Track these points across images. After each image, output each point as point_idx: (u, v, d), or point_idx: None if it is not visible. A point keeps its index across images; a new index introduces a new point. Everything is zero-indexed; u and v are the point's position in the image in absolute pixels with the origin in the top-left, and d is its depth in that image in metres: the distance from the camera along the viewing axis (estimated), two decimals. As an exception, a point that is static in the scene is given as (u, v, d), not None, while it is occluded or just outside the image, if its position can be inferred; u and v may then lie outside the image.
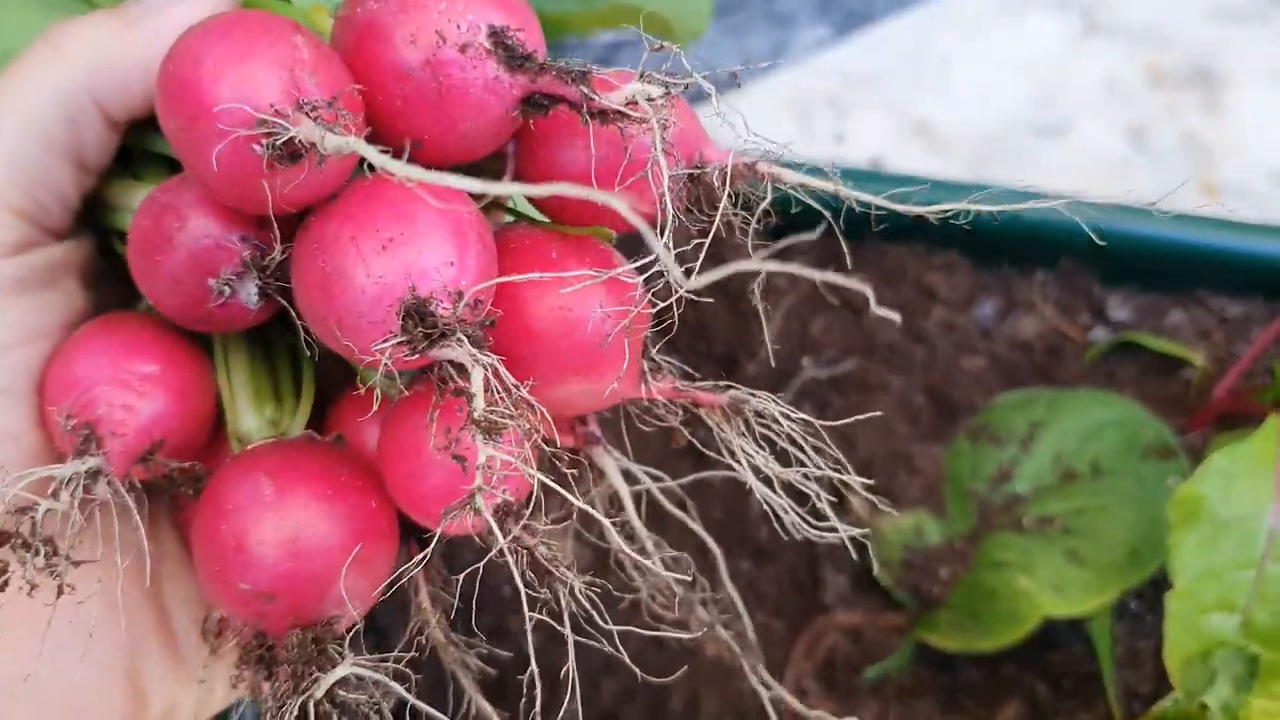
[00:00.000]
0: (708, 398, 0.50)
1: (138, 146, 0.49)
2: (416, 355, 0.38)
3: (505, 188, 0.39)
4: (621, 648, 0.49)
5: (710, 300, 0.96)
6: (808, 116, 1.28)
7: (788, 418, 0.49)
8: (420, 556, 0.41)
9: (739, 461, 0.49)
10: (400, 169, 0.38)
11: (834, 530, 0.50)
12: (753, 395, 0.49)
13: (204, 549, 0.44)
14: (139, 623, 0.47)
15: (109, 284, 0.50)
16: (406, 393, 0.44)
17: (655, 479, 0.51)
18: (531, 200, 0.47)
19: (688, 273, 0.41)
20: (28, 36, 0.47)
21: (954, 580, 0.85)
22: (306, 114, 0.38)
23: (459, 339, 0.37)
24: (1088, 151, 1.24)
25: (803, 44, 1.36)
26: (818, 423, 0.49)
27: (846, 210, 0.98)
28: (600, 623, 0.47)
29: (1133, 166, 1.22)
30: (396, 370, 0.39)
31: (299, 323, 0.43)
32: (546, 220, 0.49)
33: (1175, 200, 1.22)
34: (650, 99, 0.40)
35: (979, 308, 0.95)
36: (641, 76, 0.40)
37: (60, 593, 0.41)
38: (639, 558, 0.46)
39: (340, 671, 0.41)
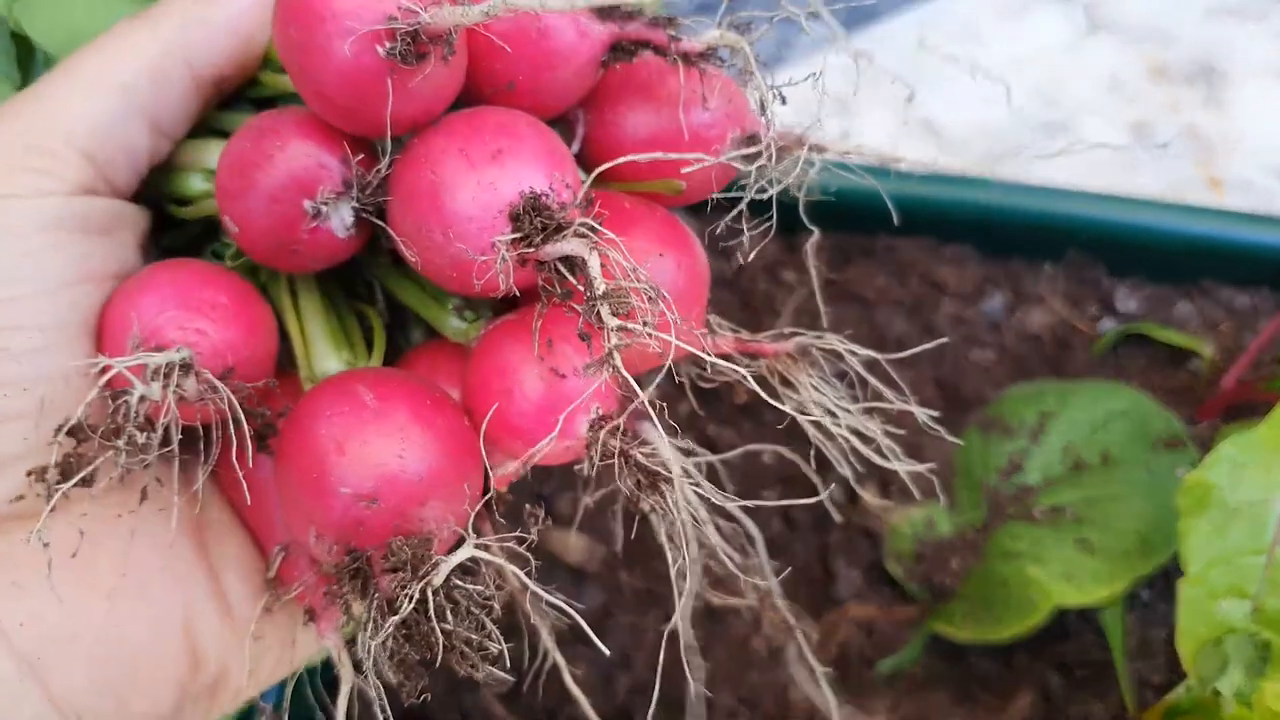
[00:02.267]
0: (773, 347, 0.51)
1: (209, 126, 0.50)
2: (533, 249, 0.38)
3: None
4: (636, 646, 0.49)
5: (722, 294, 0.97)
6: (810, 114, 1.28)
7: (853, 354, 0.51)
8: (526, 457, 0.41)
9: (806, 408, 0.51)
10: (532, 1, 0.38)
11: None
12: (819, 337, 0.51)
13: (297, 460, 0.43)
14: (192, 579, 0.47)
15: (157, 258, 0.50)
16: (485, 332, 0.45)
17: (688, 452, 0.50)
18: (592, 153, 0.49)
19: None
20: (102, 13, 0.50)
21: (965, 571, 0.85)
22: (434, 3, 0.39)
23: (577, 228, 0.38)
24: (1092, 149, 1.25)
25: (807, 42, 1.36)
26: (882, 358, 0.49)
27: (856, 206, 0.98)
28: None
29: (1136, 162, 1.23)
30: (510, 273, 0.39)
31: (396, 240, 0.43)
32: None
33: (1180, 195, 1.23)
34: (734, 47, 0.43)
35: (988, 300, 0.95)
36: (720, 25, 0.43)
37: (144, 499, 0.41)
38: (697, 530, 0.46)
39: (465, 552, 0.40)
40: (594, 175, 0.42)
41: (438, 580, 0.39)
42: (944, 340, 0.88)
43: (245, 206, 0.44)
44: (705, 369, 0.50)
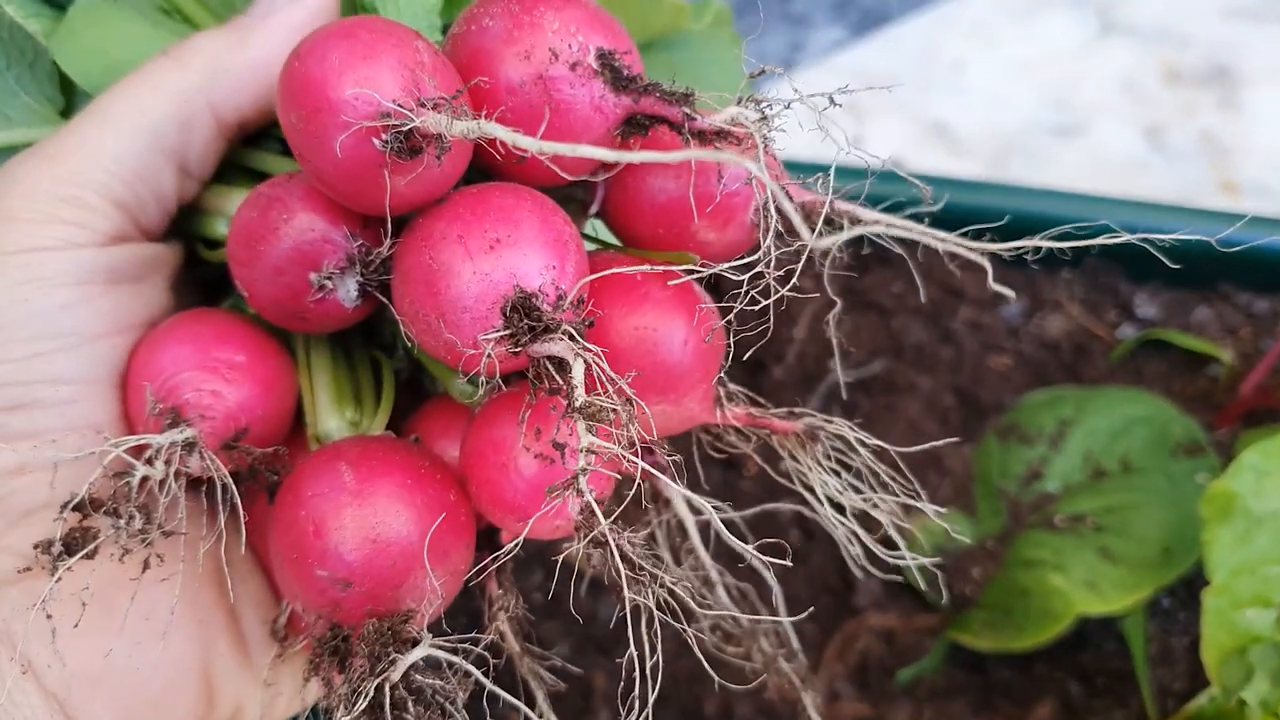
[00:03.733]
0: (783, 425, 0.50)
1: (236, 163, 0.51)
2: (519, 349, 0.39)
3: (636, 156, 0.39)
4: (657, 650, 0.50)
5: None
6: (838, 108, 1.28)
7: (863, 444, 0.50)
8: (510, 545, 0.41)
9: (813, 490, 0.50)
10: (533, 145, 0.38)
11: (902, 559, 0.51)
12: (829, 422, 0.50)
13: (282, 536, 0.44)
14: (211, 622, 0.47)
15: (192, 293, 0.51)
16: (493, 397, 0.44)
17: (716, 509, 0.50)
18: (616, 231, 0.49)
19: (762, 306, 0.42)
20: (141, 47, 0.49)
21: (986, 580, 0.85)
22: (429, 108, 0.39)
23: (562, 333, 0.38)
24: (1105, 151, 1.24)
25: (818, 45, 1.36)
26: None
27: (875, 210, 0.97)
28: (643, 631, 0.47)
29: (1150, 165, 1.22)
30: (495, 370, 0.40)
31: (398, 318, 0.43)
32: (625, 247, 0.50)
33: (1195, 199, 1.23)
34: (751, 121, 0.42)
35: (1006, 307, 0.95)
36: (740, 101, 0.42)
37: (146, 568, 0.41)
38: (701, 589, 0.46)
39: (419, 652, 0.41)
40: (584, 282, 0.41)
41: (395, 676, 0.40)
42: (907, 414, 0.87)
43: (252, 275, 0.45)
44: (717, 437, 0.51)
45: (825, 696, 0.85)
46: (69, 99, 0.54)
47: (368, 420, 0.50)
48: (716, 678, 0.53)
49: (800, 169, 0.98)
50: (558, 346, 0.38)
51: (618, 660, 0.87)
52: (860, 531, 0.52)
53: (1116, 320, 0.95)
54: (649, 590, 0.42)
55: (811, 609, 0.88)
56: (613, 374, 0.39)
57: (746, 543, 0.45)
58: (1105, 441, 0.87)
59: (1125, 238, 0.46)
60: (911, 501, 0.52)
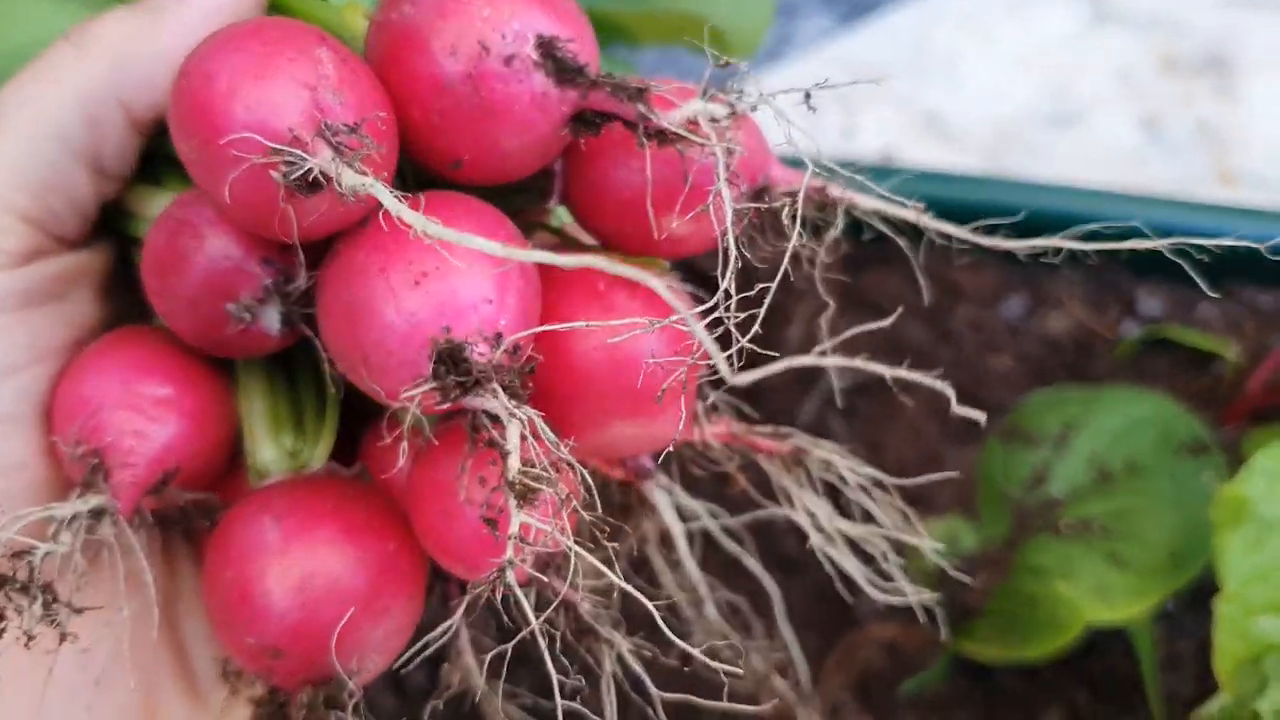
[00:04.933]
0: (767, 444, 0.48)
1: (160, 151, 0.45)
2: (447, 403, 0.35)
3: (539, 256, 0.35)
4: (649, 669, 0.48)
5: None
6: (816, 110, 1.25)
7: (854, 471, 0.47)
8: (447, 625, 0.37)
9: (798, 511, 0.48)
10: (419, 222, 0.34)
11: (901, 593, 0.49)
12: (815, 444, 0.47)
13: (211, 598, 0.41)
14: (156, 662, 0.44)
15: (128, 295, 0.47)
16: (437, 429, 0.40)
17: (712, 515, 0.48)
18: (580, 222, 0.44)
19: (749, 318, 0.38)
20: (44, 31, 0.44)
21: (991, 588, 0.83)
22: (328, 141, 0.34)
23: (494, 389, 0.34)
24: (1101, 142, 1.22)
25: (806, 35, 1.33)
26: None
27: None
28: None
29: (1147, 156, 1.20)
30: (425, 414, 0.36)
31: (323, 354, 0.40)
32: (595, 243, 0.45)
33: (1193, 189, 1.21)
34: (714, 119, 0.36)
35: (1006, 304, 0.93)
36: (704, 94, 0.37)
37: (62, 640, 0.37)
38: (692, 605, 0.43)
39: None
40: (525, 334, 0.37)
41: None
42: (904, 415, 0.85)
43: (168, 306, 0.41)
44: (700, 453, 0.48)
45: (827, 709, 0.83)
46: None
47: (309, 448, 0.45)
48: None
49: (792, 163, 0.96)
50: (490, 403, 0.34)
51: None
52: (847, 564, 0.50)
53: (1119, 317, 0.94)
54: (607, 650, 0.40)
55: (811, 620, 0.86)
56: (552, 437, 0.34)
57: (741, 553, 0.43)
58: (1110, 443, 0.85)
59: (1167, 242, 0.42)
60: (904, 536, 0.50)
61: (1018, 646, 0.79)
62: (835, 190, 0.43)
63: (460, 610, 0.36)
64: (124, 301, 0.47)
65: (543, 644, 0.35)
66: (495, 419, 0.35)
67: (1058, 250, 0.94)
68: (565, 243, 0.47)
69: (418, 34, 0.37)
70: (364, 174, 0.34)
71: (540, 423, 0.35)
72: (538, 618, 0.35)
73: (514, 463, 0.34)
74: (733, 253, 0.36)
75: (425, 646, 0.38)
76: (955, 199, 0.93)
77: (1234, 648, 0.71)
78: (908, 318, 0.93)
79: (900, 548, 0.86)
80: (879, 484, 0.47)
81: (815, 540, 0.49)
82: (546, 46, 0.37)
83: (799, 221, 0.39)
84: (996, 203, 0.92)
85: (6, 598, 0.36)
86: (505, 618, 0.41)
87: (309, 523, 0.41)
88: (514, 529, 0.33)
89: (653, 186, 0.38)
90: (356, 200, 0.34)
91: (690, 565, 0.49)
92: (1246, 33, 1.28)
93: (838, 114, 1.26)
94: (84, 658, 0.40)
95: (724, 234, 0.36)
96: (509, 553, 0.33)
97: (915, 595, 0.50)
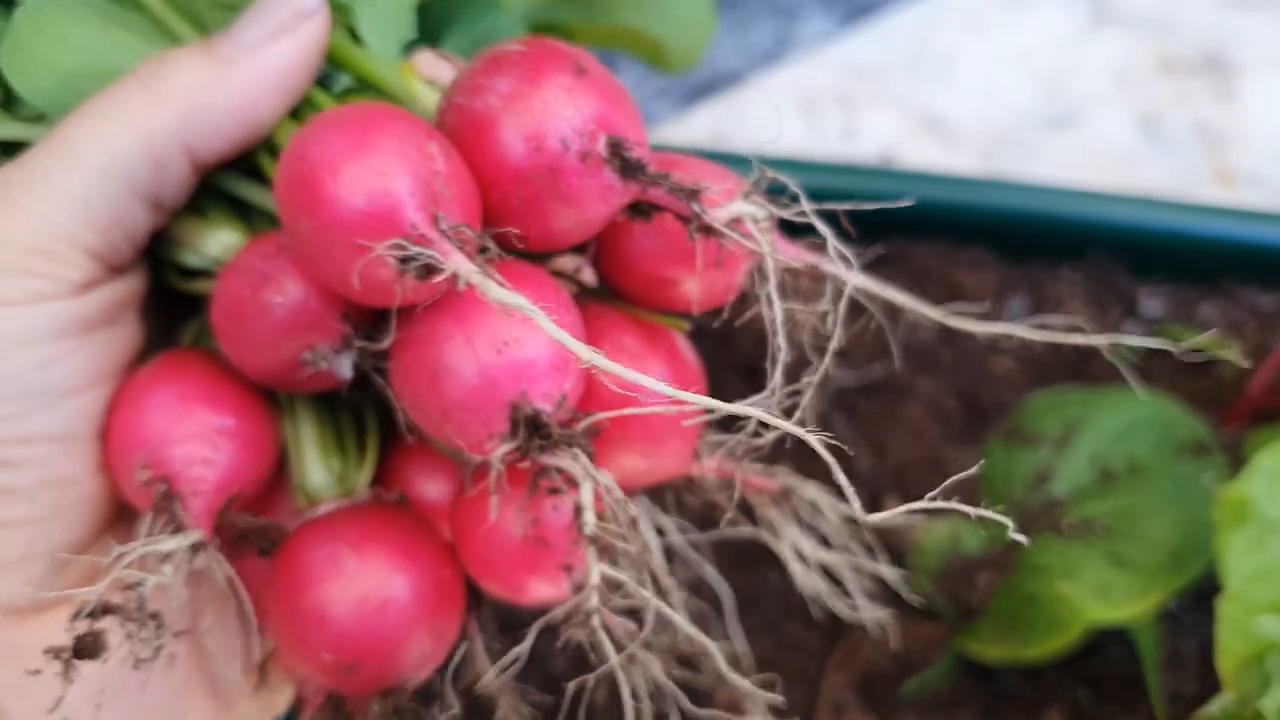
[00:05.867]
0: (758, 482, 0.52)
1: (205, 184, 0.48)
2: (526, 456, 0.39)
3: (619, 369, 0.39)
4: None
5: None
6: (816, 112, 1.26)
7: (835, 510, 0.52)
8: (513, 653, 0.42)
9: (783, 540, 0.53)
10: (547, 324, 0.37)
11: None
12: (803, 482, 0.51)
13: (286, 619, 0.43)
14: (186, 672, 0.46)
15: (155, 312, 0.49)
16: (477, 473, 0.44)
17: (681, 530, 0.51)
18: (605, 280, 0.48)
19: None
20: (93, 58, 0.46)
21: (993, 588, 0.83)
22: (445, 235, 0.37)
23: (575, 454, 0.38)
24: (1099, 143, 1.23)
25: (807, 37, 1.34)
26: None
27: (871, 211, 0.96)
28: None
29: (1145, 157, 1.21)
30: (501, 468, 0.40)
31: (394, 402, 0.43)
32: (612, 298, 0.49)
33: (1191, 190, 1.21)
34: (755, 220, 0.42)
35: (1007, 305, 0.93)
36: (746, 196, 0.42)
37: (155, 659, 0.41)
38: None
39: None
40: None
41: None
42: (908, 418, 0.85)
43: (242, 350, 0.43)
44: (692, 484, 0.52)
45: (830, 708, 0.83)
46: (8, 91, 0.50)
47: (353, 472, 0.49)
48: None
49: (793, 167, 0.96)
50: (566, 463, 0.38)
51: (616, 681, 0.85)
52: (819, 585, 0.54)
53: (1120, 318, 0.94)
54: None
55: (814, 619, 0.87)
56: (621, 495, 0.38)
57: (745, 555, 0.45)
58: (1111, 443, 0.86)
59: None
60: (870, 565, 0.56)
61: (1020, 646, 0.79)
62: (827, 266, 0.48)
63: (530, 637, 0.42)
64: (154, 320, 0.49)
65: (621, 676, 0.41)
66: (560, 471, 0.39)
67: (1061, 251, 0.94)
68: (587, 296, 0.50)
69: (504, 127, 0.40)
70: (476, 265, 0.38)
71: (613, 485, 0.39)
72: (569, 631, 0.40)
73: (590, 518, 0.39)
74: (783, 349, 0.44)
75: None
76: (957, 201, 0.93)
77: (1237, 647, 0.71)
78: (912, 320, 0.93)
79: (903, 549, 0.87)
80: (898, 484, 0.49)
81: (796, 570, 0.53)
82: (615, 145, 0.42)
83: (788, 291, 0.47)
84: (999, 204, 0.92)
85: (120, 624, 0.39)
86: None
87: (382, 552, 0.45)
88: (594, 579, 0.38)
89: (680, 248, 0.44)
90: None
91: (666, 580, 0.52)
92: (1244, 33, 1.28)
93: (837, 115, 1.26)
94: (128, 673, 0.42)
95: (773, 332, 0.44)
96: (593, 600, 0.38)
97: (873, 613, 0.56)
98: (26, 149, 0.47)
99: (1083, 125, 1.24)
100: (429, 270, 0.38)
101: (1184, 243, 0.90)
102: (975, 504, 0.87)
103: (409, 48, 0.53)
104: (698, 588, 0.66)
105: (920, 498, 0.87)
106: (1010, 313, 0.94)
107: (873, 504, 0.88)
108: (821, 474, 0.50)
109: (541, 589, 0.45)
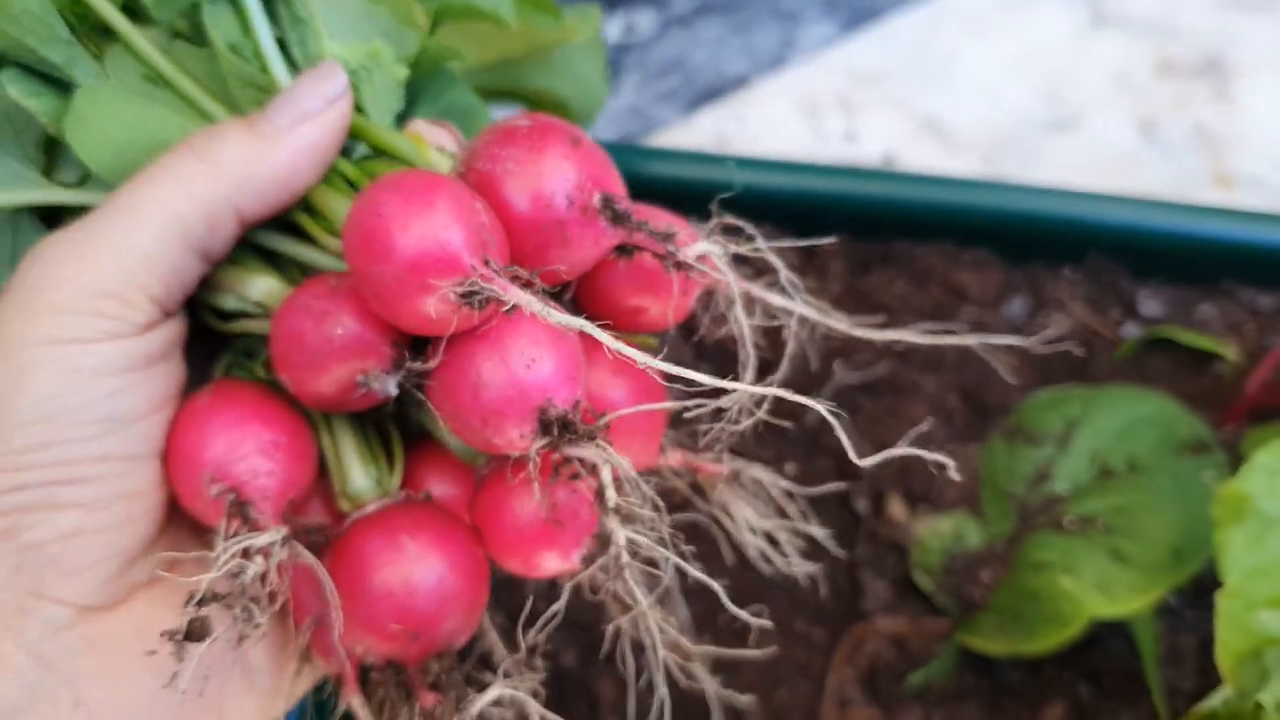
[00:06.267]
0: (712, 468, 0.61)
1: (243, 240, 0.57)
2: (556, 452, 0.48)
3: (667, 366, 0.48)
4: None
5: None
6: (817, 115, 1.27)
7: (776, 485, 0.63)
8: (553, 610, 0.51)
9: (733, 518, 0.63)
10: (608, 340, 0.47)
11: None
12: (749, 465, 0.61)
13: (357, 598, 0.51)
14: (224, 658, 0.52)
15: (191, 351, 0.57)
16: (496, 466, 0.54)
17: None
18: (580, 304, 0.58)
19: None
20: (140, 132, 0.55)
21: (995, 583, 0.84)
22: (498, 272, 0.47)
23: (599, 444, 0.47)
24: (1099, 145, 1.24)
25: (810, 41, 1.35)
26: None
27: (874, 212, 0.97)
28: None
29: (1144, 159, 1.22)
30: (537, 459, 0.48)
31: (434, 411, 0.51)
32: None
33: (1190, 192, 1.22)
34: (718, 256, 0.52)
35: (1009, 306, 0.94)
36: (709, 235, 0.52)
37: (243, 641, 0.48)
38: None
39: (495, 692, 0.51)
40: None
41: (474, 710, 0.50)
42: (911, 416, 0.87)
43: (304, 376, 0.51)
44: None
45: (835, 701, 0.84)
46: (49, 158, 0.58)
47: (385, 476, 0.57)
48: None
49: (794, 169, 0.97)
50: (589, 452, 0.47)
51: (623, 671, 0.86)
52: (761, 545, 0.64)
53: (1120, 318, 0.95)
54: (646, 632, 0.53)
55: (820, 614, 0.88)
56: (634, 476, 0.47)
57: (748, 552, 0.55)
58: (1112, 441, 0.87)
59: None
60: (804, 527, 0.66)
61: (1022, 640, 0.80)
62: (756, 291, 0.55)
63: (563, 600, 0.51)
64: (189, 356, 0.56)
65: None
66: (582, 460, 0.48)
67: (1063, 252, 0.96)
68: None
69: (521, 188, 0.50)
70: (536, 297, 0.47)
71: (629, 468, 0.47)
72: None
73: (612, 494, 0.47)
74: (750, 354, 0.54)
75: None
76: (956, 203, 0.94)
77: (1235, 642, 0.72)
78: (913, 318, 0.94)
79: (908, 544, 0.88)
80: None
81: (747, 539, 0.63)
82: (606, 200, 0.51)
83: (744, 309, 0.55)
84: (1000, 206, 0.93)
85: (223, 609, 0.47)
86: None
87: (434, 538, 0.53)
88: (622, 541, 0.47)
89: (647, 276, 0.54)
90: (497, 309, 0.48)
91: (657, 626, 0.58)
92: (1242, 36, 1.30)
93: (839, 118, 1.27)
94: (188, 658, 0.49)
95: (741, 343, 0.54)
96: (625, 558, 0.47)
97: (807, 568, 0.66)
98: (66, 212, 0.58)
99: (1082, 128, 1.25)
100: (484, 301, 0.46)
101: (1183, 244, 0.91)
102: (977, 501, 0.88)
103: (399, 118, 0.63)
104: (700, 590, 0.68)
105: (922, 495, 0.89)
106: (1012, 313, 0.95)
107: (875, 501, 0.89)
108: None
109: (553, 563, 0.53)
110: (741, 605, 0.74)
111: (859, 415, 0.92)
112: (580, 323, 0.47)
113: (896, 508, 0.88)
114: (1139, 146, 1.23)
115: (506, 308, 0.47)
